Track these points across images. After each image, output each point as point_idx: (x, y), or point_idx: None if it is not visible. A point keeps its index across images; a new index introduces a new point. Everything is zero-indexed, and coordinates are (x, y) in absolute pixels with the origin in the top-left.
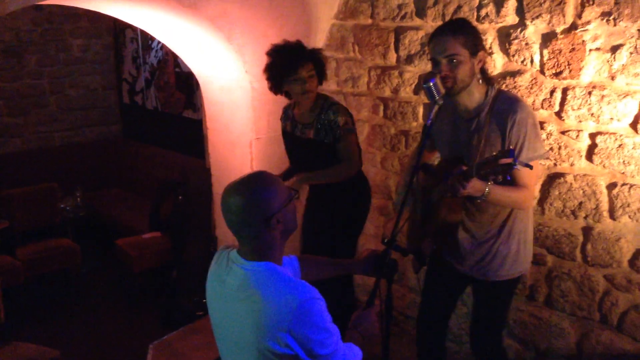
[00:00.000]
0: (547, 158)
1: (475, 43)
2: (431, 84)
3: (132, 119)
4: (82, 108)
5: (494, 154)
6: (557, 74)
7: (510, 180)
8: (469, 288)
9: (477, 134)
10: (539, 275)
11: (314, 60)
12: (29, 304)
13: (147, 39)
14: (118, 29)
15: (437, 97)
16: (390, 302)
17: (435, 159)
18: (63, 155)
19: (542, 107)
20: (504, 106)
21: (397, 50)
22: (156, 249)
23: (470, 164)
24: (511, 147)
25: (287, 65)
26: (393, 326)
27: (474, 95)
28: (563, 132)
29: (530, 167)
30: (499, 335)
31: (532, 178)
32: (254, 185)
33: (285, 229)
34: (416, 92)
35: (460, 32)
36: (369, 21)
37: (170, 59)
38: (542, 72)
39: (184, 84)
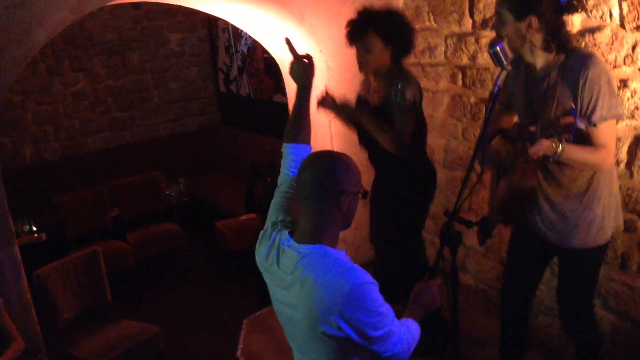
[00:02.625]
0: (622, 118)
1: (523, 5)
2: (498, 49)
3: (228, 107)
4: (183, 99)
5: (557, 113)
6: (638, 27)
7: (587, 140)
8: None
9: (549, 93)
10: (630, 243)
11: (378, 31)
12: (137, 285)
13: (237, 28)
14: (211, 21)
15: (504, 63)
16: (456, 274)
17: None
18: (167, 145)
19: (625, 64)
20: (576, 63)
21: (472, 15)
22: (251, 229)
23: (540, 125)
24: (573, 106)
25: (347, 35)
26: (483, 301)
27: (538, 56)
28: None
29: (594, 125)
30: (588, 306)
31: (610, 137)
32: (339, 158)
33: (346, 218)
34: None
35: None
36: None
37: (258, 46)
38: (622, 26)
39: (272, 70)
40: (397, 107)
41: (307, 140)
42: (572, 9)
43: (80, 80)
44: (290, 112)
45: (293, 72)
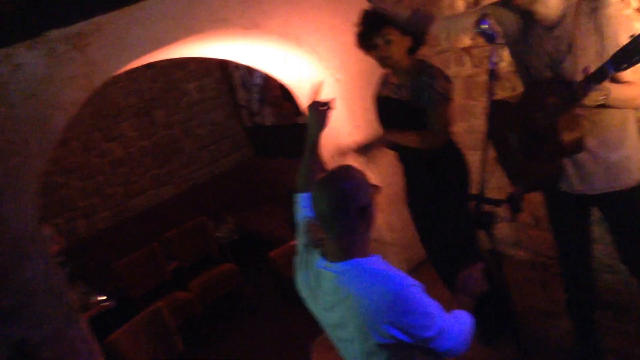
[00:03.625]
0: None
1: None
2: (485, 26)
3: (257, 139)
4: (213, 143)
5: (631, 39)
6: None
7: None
8: None
9: (566, 39)
10: None
11: (393, 22)
12: (207, 330)
13: None
14: (223, 62)
15: (495, 38)
16: (498, 256)
17: None
18: (208, 189)
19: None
20: (591, 4)
21: None
22: None
23: (573, 71)
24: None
25: (361, 35)
26: (542, 273)
27: (550, 2)
28: None
29: None
30: None
31: (638, 72)
32: (345, 177)
33: (370, 222)
34: None
35: None
36: None
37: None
38: None
39: (289, 94)
40: (427, 101)
41: None
42: None
43: (115, 148)
44: (301, 162)
45: (309, 120)
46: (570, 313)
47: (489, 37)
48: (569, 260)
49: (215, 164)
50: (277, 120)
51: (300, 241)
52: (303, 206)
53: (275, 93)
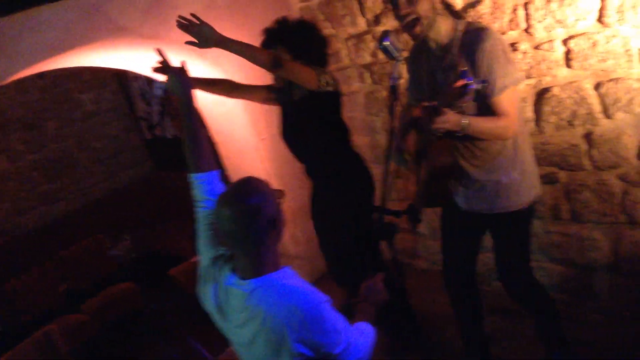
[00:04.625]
0: (521, 82)
1: None
2: (386, 43)
3: (158, 152)
4: (110, 156)
5: (453, 79)
6: None
7: (490, 110)
8: None
9: (452, 71)
10: (557, 193)
11: (286, 45)
12: (107, 352)
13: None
14: (120, 73)
15: (396, 54)
16: (399, 265)
17: None
18: (106, 205)
19: (510, 29)
20: (472, 38)
21: (363, 14)
22: None
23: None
24: (464, 69)
25: (260, 45)
26: (441, 281)
27: (441, 30)
28: (536, 47)
29: (486, 83)
30: (526, 268)
31: (512, 104)
32: (251, 191)
33: (280, 231)
34: None
35: None
36: None
37: None
38: None
39: None
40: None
41: (211, 165)
42: None
43: (1, 162)
44: (182, 134)
45: (171, 85)
46: (458, 320)
47: (390, 53)
48: (454, 270)
49: (112, 178)
50: (178, 133)
51: (205, 254)
52: (199, 185)
53: (176, 105)
